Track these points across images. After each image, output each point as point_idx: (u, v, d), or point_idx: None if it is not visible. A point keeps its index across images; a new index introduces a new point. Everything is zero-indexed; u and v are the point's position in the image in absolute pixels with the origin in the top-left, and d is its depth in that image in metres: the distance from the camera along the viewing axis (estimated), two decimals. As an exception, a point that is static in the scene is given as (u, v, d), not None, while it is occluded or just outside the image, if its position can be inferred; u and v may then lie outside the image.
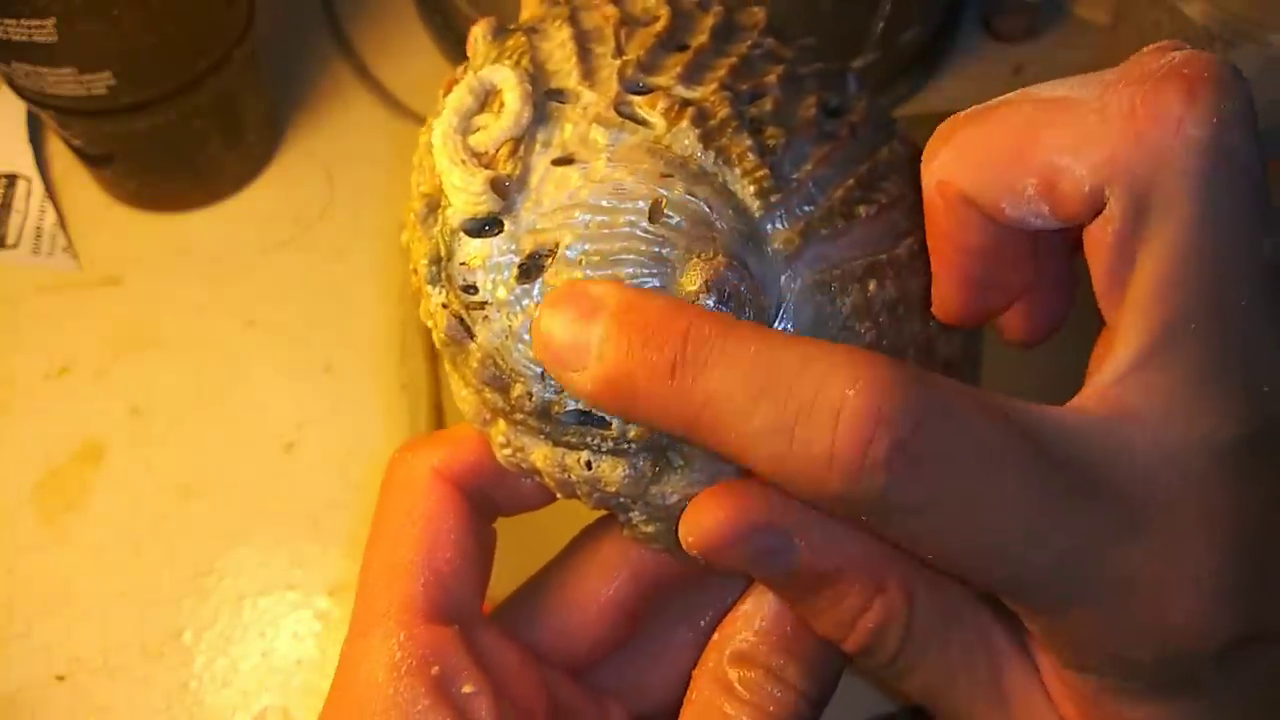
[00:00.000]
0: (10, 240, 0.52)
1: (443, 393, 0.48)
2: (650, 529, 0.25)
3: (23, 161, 0.54)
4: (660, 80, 0.24)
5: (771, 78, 0.25)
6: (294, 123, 0.57)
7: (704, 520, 0.22)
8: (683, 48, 0.25)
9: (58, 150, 0.55)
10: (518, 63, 0.24)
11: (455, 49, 0.58)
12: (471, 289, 0.23)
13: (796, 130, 0.24)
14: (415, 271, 0.25)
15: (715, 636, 0.25)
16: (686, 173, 0.23)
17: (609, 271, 0.22)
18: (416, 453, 0.27)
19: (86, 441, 0.48)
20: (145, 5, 0.43)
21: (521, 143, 0.23)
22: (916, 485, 0.19)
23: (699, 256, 0.22)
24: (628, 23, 0.25)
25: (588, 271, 0.22)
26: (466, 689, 0.24)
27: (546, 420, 0.23)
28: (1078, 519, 0.20)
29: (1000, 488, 0.19)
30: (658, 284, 0.22)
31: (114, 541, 0.46)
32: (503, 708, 0.25)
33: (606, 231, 0.22)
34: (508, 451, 0.25)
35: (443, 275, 0.23)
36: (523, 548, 0.29)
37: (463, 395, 0.25)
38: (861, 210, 0.24)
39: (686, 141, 0.23)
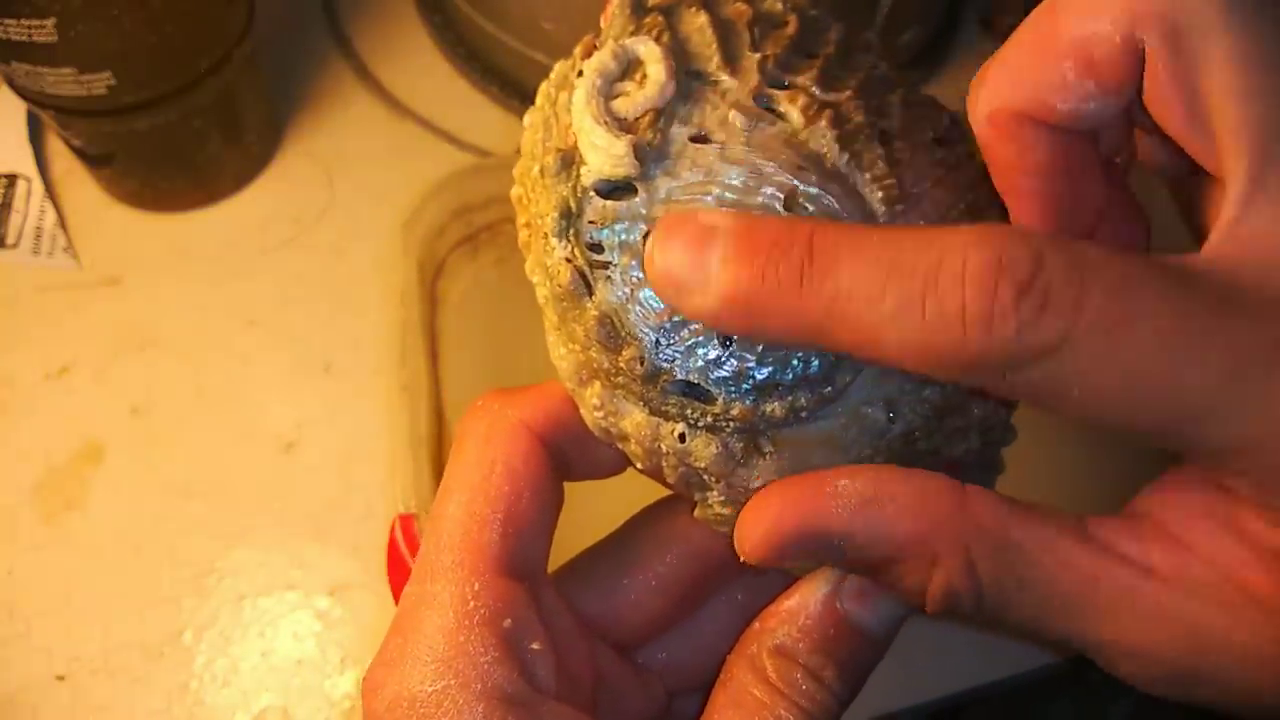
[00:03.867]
0: (10, 240, 0.52)
1: (443, 393, 0.48)
2: (726, 511, 0.25)
3: (23, 161, 0.54)
4: (798, 80, 0.25)
5: (894, 98, 0.26)
6: (294, 123, 0.57)
7: (746, 539, 0.23)
8: (812, 55, 0.25)
9: (58, 150, 0.55)
10: (658, 38, 0.24)
11: (455, 49, 0.58)
12: (597, 248, 0.23)
13: (919, 149, 0.25)
14: (527, 225, 0.25)
15: (755, 626, 0.25)
16: (821, 169, 0.23)
17: None
18: (504, 403, 0.26)
19: (86, 441, 0.48)
20: (145, 5, 0.43)
21: (662, 114, 0.24)
22: (1047, 322, 0.19)
23: None
24: (759, 21, 0.26)
25: None
26: (534, 646, 0.24)
27: (651, 387, 0.23)
28: (1234, 334, 0.19)
29: (1138, 312, 0.19)
30: None
31: (114, 541, 0.46)
32: (561, 670, 0.25)
33: (740, 211, 0.23)
34: (599, 415, 0.25)
35: (570, 230, 0.24)
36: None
37: (560, 354, 0.25)
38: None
39: (823, 140, 0.24)
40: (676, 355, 0.23)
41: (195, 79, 0.47)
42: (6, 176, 0.54)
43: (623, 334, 0.23)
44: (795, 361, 0.23)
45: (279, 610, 0.45)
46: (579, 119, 0.24)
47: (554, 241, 0.24)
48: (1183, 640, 0.21)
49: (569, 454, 0.26)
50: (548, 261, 0.24)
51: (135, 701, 0.43)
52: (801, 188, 0.23)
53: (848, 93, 0.25)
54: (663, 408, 0.24)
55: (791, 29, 0.26)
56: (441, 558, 0.25)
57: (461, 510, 0.25)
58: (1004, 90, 0.23)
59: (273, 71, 0.55)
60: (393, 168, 0.55)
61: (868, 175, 0.24)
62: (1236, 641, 0.21)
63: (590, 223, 0.23)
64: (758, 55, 0.25)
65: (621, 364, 0.23)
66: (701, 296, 0.22)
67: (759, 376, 0.23)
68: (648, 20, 0.25)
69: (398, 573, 0.42)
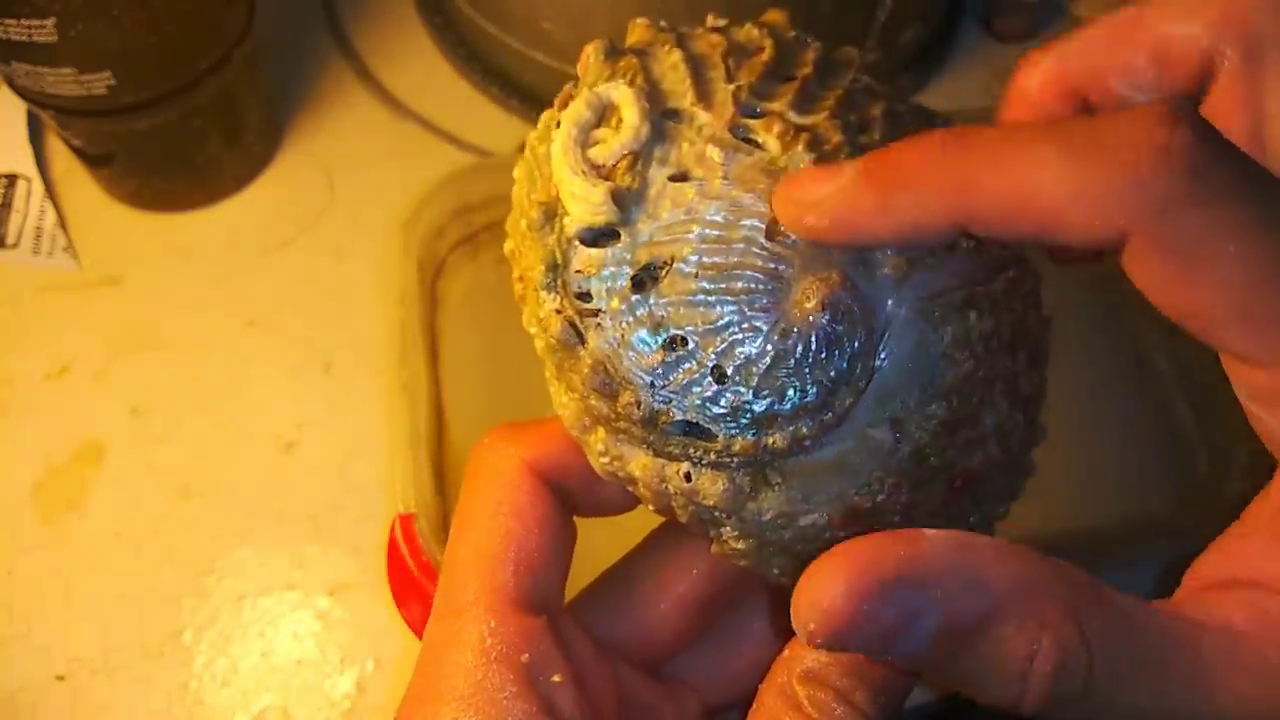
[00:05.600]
0: (10, 240, 0.52)
1: (443, 393, 0.48)
2: (741, 545, 0.25)
3: (23, 161, 0.54)
4: (773, 106, 0.24)
5: (875, 111, 0.25)
6: (294, 123, 0.57)
7: (822, 596, 0.20)
8: (790, 78, 0.25)
9: (58, 150, 0.55)
10: (632, 81, 0.24)
11: (455, 49, 0.58)
12: (585, 296, 0.23)
13: None
14: (521, 279, 0.25)
15: (785, 653, 0.25)
16: None
17: (724, 285, 0.22)
18: (508, 443, 0.27)
19: (86, 441, 0.48)
20: (145, 5, 0.43)
21: (639, 158, 0.23)
22: (1214, 171, 0.19)
23: (814, 275, 0.22)
24: (734, 51, 0.25)
25: (703, 284, 0.22)
26: (555, 678, 0.24)
27: (651, 429, 0.23)
28: None
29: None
30: (770, 300, 0.22)
31: (114, 541, 0.46)
32: (583, 699, 0.25)
33: (723, 246, 0.23)
34: (605, 460, 0.25)
35: (558, 282, 0.24)
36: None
37: (563, 402, 0.25)
38: (963, 242, 0.24)
39: (802, 164, 0.23)
40: (672, 396, 0.23)
41: (195, 79, 0.47)
42: (6, 176, 0.54)
43: (617, 380, 0.23)
44: (791, 391, 0.22)
45: (279, 610, 0.45)
46: (558, 171, 0.24)
47: (544, 295, 0.24)
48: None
49: (574, 494, 0.27)
50: (540, 314, 0.24)
51: (135, 701, 0.43)
52: None
53: (825, 113, 0.24)
54: (666, 449, 0.24)
55: (767, 54, 0.25)
56: (458, 596, 0.25)
57: (473, 550, 0.25)
58: (1073, 61, 0.23)
59: (273, 71, 0.55)
60: (393, 168, 0.55)
61: None
62: None
63: (577, 272, 0.23)
64: (732, 86, 0.24)
65: (620, 409, 0.23)
66: (829, 183, 0.21)
67: (757, 409, 0.23)
68: (622, 63, 0.25)
69: (398, 573, 0.42)
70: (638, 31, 0.26)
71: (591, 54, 0.25)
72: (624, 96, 0.24)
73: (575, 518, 0.28)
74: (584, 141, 0.24)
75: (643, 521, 0.29)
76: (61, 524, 0.46)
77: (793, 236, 0.23)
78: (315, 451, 0.48)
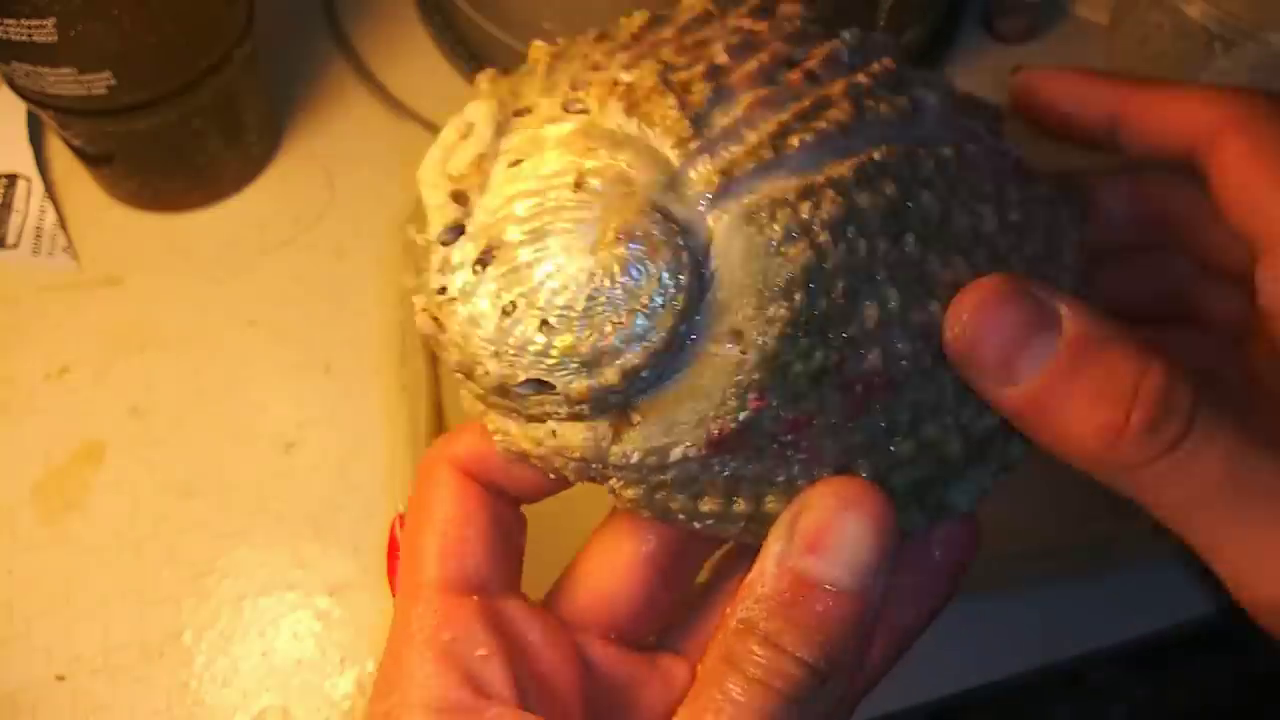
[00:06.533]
0: (10, 240, 0.52)
1: (443, 393, 0.48)
2: (631, 493, 0.25)
3: (23, 161, 0.54)
4: (602, 75, 0.25)
5: (718, 46, 0.25)
6: (294, 123, 0.57)
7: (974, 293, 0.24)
8: (639, 45, 0.26)
9: (58, 150, 0.55)
10: (500, 98, 0.26)
11: (455, 49, 0.58)
12: (442, 290, 0.25)
13: (729, 84, 0.24)
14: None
15: (728, 609, 0.24)
16: (611, 142, 0.24)
17: (541, 244, 0.23)
18: (436, 449, 0.28)
19: (86, 441, 0.48)
20: (145, 5, 0.43)
21: (485, 157, 0.25)
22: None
23: (613, 211, 0.23)
24: (601, 39, 0.27)
25: (525, 249, 0.23)
26: (480, 653, 0.25)
27: (508, 396, 0.24)
28: None
29: None
30: (581, 245, 0.23)
31: (114, 541, 0.46)
32: (521, 674, 0.25)
33: (538, 209, 0.24)
34: (499, 438, 0.26)
35: (421, 281, 0.25)
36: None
37: (463, 394, 0.26)
38: (795, 140, 0.24)
39: (613, 116, 0.24)
40: (514, 359, 0.24)
41: (195, 79, 0.47)
42: (6, 176, 0.54)
43: (470, 356, 0.24)
44: (609, 326, 0.23)
45: (279, 610, 0.45)
46: (421, 188, 0.25)
47: (415, 300, 0.25)
48: None
49: (499, 482, 0.28)
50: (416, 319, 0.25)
51: (135, 701, 0.43)
52: (588, 165, 0.23)
53: (649, 65, 0.25)
54: (528, 411, 0.25)
55: (625, 33, 0.26)
56: (401, 590, 0.27)
57: (409, 547, 0.27)
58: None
59: (273, 71, 0.55)
60: (393, 168, 0.55)
61: (658, 129, 0.24)
62: None
63: (437, 271, 0.25)
64: (573, 66, 0.26)
65: (479, 383, 0.24)
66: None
67: (583, 350, 0.23)
68: (504, 83, 0.27)
69: (398, 573, 0.42)
70: (532, 52, 0.28)
71: (481, 81, 0.27)
72: (478, 110, 0.25)
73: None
74: (445, 159, 0.25)
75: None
76: (61, 524, 0.46)
77: (597, 183, 0.23)
78: (315, 451, 0.48)
